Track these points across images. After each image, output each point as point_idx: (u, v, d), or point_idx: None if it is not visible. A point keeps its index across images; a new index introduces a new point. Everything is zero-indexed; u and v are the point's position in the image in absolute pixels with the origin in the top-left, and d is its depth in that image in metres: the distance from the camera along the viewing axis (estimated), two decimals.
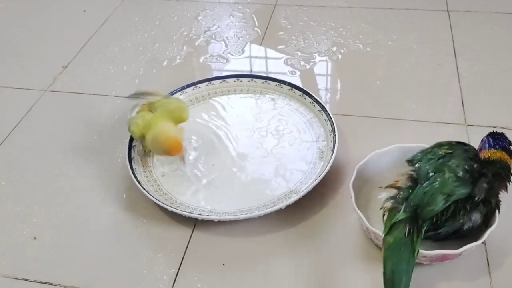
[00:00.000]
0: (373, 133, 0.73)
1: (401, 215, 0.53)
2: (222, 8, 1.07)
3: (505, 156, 0.56)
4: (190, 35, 0.99)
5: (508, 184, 0.56)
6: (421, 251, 0.51)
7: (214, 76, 0.81)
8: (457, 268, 0.55)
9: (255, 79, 0.80)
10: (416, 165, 0.57)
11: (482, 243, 0.53)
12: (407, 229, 0.52)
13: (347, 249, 0.58)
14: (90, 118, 0.80)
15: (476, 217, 0.53)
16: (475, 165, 0.55)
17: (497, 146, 0.56)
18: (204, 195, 0.65)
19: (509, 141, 0.57)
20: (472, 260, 0.56)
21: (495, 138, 0.57)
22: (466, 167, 0.54)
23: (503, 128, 0.73)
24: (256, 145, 0.72)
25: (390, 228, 0.53)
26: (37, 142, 0.76)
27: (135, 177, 0.64)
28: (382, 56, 0.90)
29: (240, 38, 0.97)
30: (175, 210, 0.60)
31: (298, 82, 0.82)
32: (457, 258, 0.54)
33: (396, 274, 0.50)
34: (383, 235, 0.52)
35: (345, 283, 0.55)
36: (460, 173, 0.54)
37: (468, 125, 0.74)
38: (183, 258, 0.59)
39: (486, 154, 0.56)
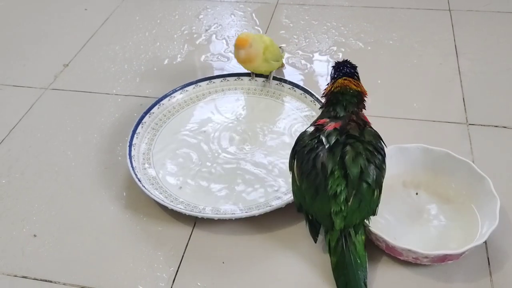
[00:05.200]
0: None
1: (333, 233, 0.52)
2: (223, 7, 1.07)
3: (346, 81, 0.56)
4: (191, 33, 0.99)
5: (362, 107, 0.57)
6: (422, 251, 0.51)
7: (215, 74, 0.81)
8: (458, 269, 0.55)
9: (256, 78, 0.80)
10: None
11: (483, 243, 0.53)
12: (342, 241, 0.51)
13: None
14: (90, 116, 0.80)
15: (368, 155, 0.52)
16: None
17: (340, 74, 0.57)
18: (204, 193, 0.65)
19: (352, 65, 0.59)
20: (473, 260, 0.56)
21: (337, 68, 0.58)
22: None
23: (505, 127, 0.72)
24: (256, 143, 0.72)
25: (329, 247, 0.53)
26: (37, 140, 0.76)
27: (135, 175, 0.64)
28: (383, 55, 0.89)
29: None
30: (175, 208, 0.60)
31: (299, 81, 0.82)
32: (458, 258, 0.54)
33: None
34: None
35: None
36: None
37: (470, 124, 0.73)
38: (183, 256, 0.58)
39: (328, 88, 0.58)
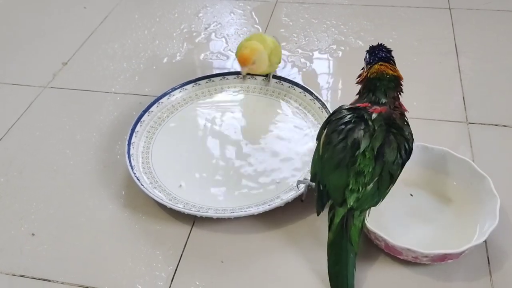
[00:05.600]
0: None
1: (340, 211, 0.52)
2: (223, 5, 1.07)
3: (383, 67, 0.55)
4: (191, 32, 0.99)
5: (399, 91, 0.55)
6: (421, 250, 0.51)
7: (214, 73, 0.81)
8: (457, 268, 0.55)
9: (255, 77, 0.80)
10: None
11: (483, 242, 0.53)
12: (344, 221, 0.51)
13: None
14: (89, 115, 0.79)
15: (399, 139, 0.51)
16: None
17: (375, 59, 0.56)
18: (203, 191, 0.64)
19: (387, 49, 0.57)
20: (473, 259, 0.55)
21: (372, 53, 0.57)
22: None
23: (505, 126, 0.72)
24: (255, 142, 0.71)
25: (330, 224, 0.52)
26: (36, 138, 0.76)
27: (134, 173, 0.64)
28: None
29: (241, 35, 0.97)
30: (174, 207, 0.60)
31: (298, 80, 0.82)
32: (458, 257, 0.54)
33: (339, 270, 0.51)
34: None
35: None
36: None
37: (470, 123, 0.73)
38: (181, 255, 0.58)
39: (364, 73, 0.56)
